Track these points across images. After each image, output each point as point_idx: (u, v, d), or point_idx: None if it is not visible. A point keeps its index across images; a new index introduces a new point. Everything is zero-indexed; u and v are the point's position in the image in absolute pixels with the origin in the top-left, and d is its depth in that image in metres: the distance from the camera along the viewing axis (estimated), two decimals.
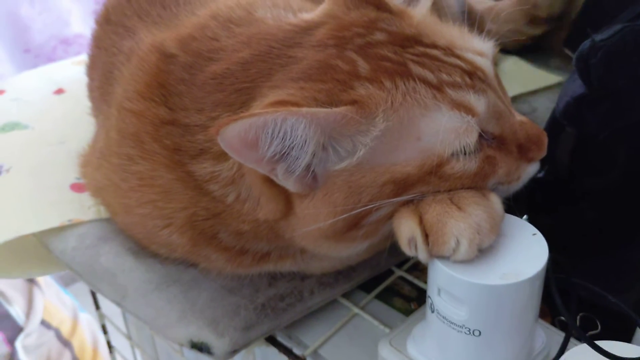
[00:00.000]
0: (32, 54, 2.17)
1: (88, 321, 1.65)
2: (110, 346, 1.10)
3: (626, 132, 0.63)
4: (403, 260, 0.77)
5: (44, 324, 1.55)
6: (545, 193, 0.71)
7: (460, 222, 0.51)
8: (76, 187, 0.82)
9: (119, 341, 1.12)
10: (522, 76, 1.08)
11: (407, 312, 0.71)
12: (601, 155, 0.67)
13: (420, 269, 0.77)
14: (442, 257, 0.52)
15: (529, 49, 1.16)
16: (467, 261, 0.51)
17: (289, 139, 0.49)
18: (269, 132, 0.48)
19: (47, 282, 1.64)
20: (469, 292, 0.51)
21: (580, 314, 0.63)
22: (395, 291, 0.75)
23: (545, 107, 0.98)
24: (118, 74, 0.67)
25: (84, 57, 1.11)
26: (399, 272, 0.76)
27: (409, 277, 0.76)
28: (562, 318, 0.64)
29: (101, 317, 1.04)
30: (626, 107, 0.63)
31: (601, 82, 0.62)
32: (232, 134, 0.48)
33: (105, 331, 1.07)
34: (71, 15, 2.19)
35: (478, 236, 0.50)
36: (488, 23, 0.93)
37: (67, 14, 2.18)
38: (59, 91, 1.06)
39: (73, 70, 1.13)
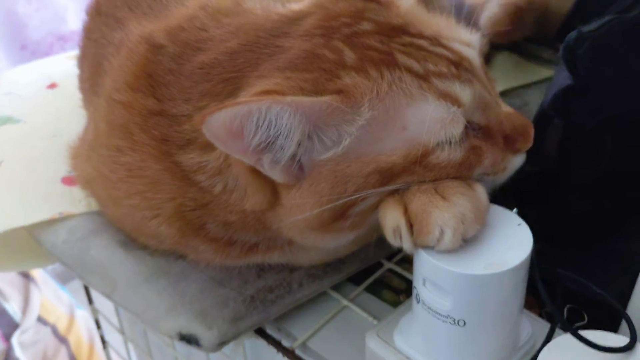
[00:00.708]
0: (28, 51, 2.17)
1: (84, 318, 1.65)
2: (103, 341, 1.10)
3: (613, 122, 0.64)
4: (392, 253, 0.77)
5: (41, 320, 1.56)
6: (533, 185, 0.71)
7: (445, 212, 0.51)
8: (67, 181, 0.82)
9: (112, 336, 1.12)
10: (513, 70, 1.08)
11: (396, 304, 0.71)
12: (588, 146, 0.67)
13: (409, 262, 0.77)
14: (427, 247, 0.52)
15: (520, 43, 1.16)
16: (452, 251, 0.51)
17: (274, 128, 0.49)
18: (253, 121, 0.48)
19: (43, 279, 1.64)
20: (453, 282, 0.51)
21: (568, 306, 0.63)
22: (385, 283, 0.75)
23: (537, 100, 0.97)
24: (108, 65, 0.67)
25: (77, 52, 1.12)
26: (388, 265, 0.76)
27: (398, 270, 0.76)
28: (548, 310, 0.64)
29: (94, 312, 1.04)
30: (613, 97, 0.63)
31: (588, 72, 0.63)
32: (217, 123, 0.48)
33: (98, 326, 1.07)
34: (67, 12, 2.20)
35: (462, 226, 0.51)
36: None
37: (63, 10, 2.18)
38: (52, 85, 1.06)
39: (66, 65, 1.12)
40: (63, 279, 1.93)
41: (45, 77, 1.09)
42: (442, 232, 0.50)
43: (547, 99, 0.68)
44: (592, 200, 0.69)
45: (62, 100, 1.02)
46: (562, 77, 0.66)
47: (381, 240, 0.59)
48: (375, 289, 0.74)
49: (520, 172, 0.61)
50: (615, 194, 0.66)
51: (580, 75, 0.63)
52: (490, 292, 0.51)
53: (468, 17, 0.63)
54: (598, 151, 0.67)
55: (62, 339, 1.59)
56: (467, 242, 0.52)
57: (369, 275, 0.75)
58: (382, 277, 0.75)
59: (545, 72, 1.07)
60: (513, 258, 0.51)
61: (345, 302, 0.72)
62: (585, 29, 0.63)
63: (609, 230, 0.68)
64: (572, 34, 0.62)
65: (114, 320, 1.01)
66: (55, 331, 1.58)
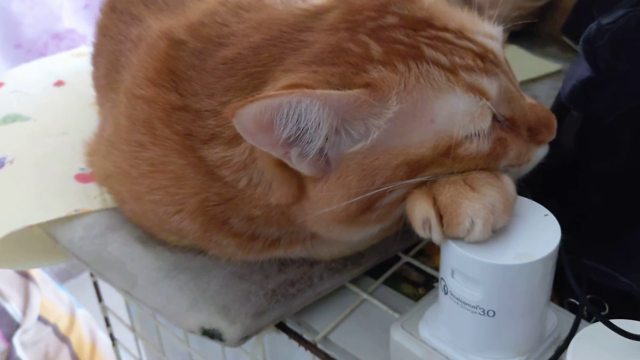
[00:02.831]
0: (23, 49, 2.16)
1: (85, 317, 1.64)
2: (113, 339, 1.10)
3: (632, 115, 0.64)
4: (409, 246, 0.77)
5: (41, 320, 1.54)
6: (551, 177, 0.71)
7: (475, 203, 0.51)
8: (81, 178, 0.82)
9: (121, 334, 1.12)
10: (521, 64, 1.07)
11: (415, 297, 0.72)
12: (607, 138, 0.67)
13: (426, 255, 0.78)
14: (456, 238, 0.52)
15: (526, 36, 1.16)
16: (481, 242, 0.52)
17: (303, 121, 0.49)
18: (283, 114, 0.48)
19: (43, 279, 1.63)
20: (484, 273, 0.51)
21: (588, 297, 0.63)
22: (403, 277, 0.75)
23: (545, 94, 0.99)
24: (125, 61, 0.67)
25: (83, 50, 1.12)
26: (405, 258, 0.76)
27: (416, 263, 0.76)
28: (572, 300, 0.65)
29: (104, 310, 1.04)
30: (632, 90, 0.63)
31: (607, 65, 0.63)
32: (247, 116, 0.48)
33: (108, 324, 1.06)
34: (62, 10, 2.19)
35: (492, 216, 0.51)
36: (487, 9, 0.93)
37: (58, 9, 2.17)
38: (59, 83, 1.06)
39: (72, 62, 1.12)
40: (62, 278, 1.92)
41: (51, 75, 1.08)
42: (472, 223, 0.51)
43: (564, 90, 0.69)
44: (611, 193, 0.69)
45: (70, 97, 1.01)
46: (581, 69, 0.66)
47: (399, 234, 0.59)
48: (393, 283, 0.74)
49: (538, 164, 0.61)
50: (634, 186, 0.66)
51: (599, 68, 0.63)
52: (520, 282, 0.52)
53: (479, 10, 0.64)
54: (617, 144, 0.67)
55: (64, 339, 1.58)
56: (496, 233, 0.52)
57: (387, 269, 0.75)
58: (400, 270, 0.75)
59: (553, 66, 1.08)
60: (542, 248, 0.51)
61: (364, 295, 0.72)
62: (604, 21, 0.63)
63: (628, 222, 0.68)
64: (592, 27, 0.62)
65: (125, 317, 1.01)
66: (56, 331, 1.57)
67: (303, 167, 0.53)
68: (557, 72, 1.08)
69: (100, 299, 1.03)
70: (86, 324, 1.63)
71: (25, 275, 1.58)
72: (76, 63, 1.11)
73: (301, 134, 0.50)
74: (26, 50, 2.16)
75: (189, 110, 0.59)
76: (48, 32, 2.19)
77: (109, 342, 1.15)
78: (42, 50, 2.18)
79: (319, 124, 0.50)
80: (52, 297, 1.62)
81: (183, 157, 0.60)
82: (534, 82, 1.04)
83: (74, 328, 1.61)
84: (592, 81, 0.64)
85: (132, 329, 1.00)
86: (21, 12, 2.10)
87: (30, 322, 1.51)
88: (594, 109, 0.66)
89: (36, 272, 1.61)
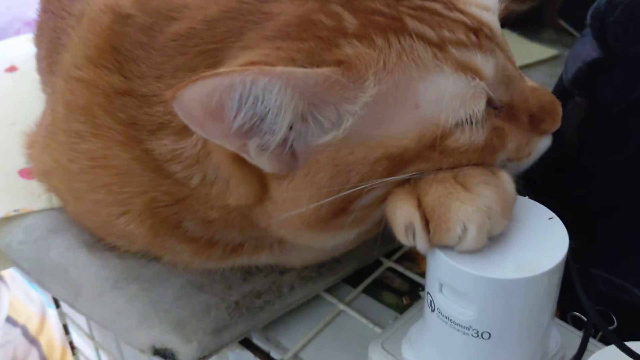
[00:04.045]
0: None
1: (57, 318, 1.57)
2: (72, 347, 1.02)
3: None
4: (392, 250, 0.70)
5: (10, 321, 1.49)
6: (550, 172, 0.64)
7: (467, 205, 0.43)
8: (25, 173, 0.74)
9: (84, 341, 1.04)
10: (515, 50, 1.00)
11: (399, 308, 0.65)
12: (615, 128, 0.60)
13: (411, 259, 0.70)
14: (446, 247, 0.44)
15: (520, 21, 1.09)
16: (475, 251, 0.44)
17: (261, 105, 0.41)
18: (236, 97, 0.41)
19: (13, 277, 1.59)
20: (478, 288, 0.44)
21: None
22: (385, 284, 0.68)
23: (541, 81, 0.90)
24: (67, 40, 0.59)
25: None
26: (388, 263, 0.69)
27: (400, 269, 0.69)
28: (577, 314, 0.57)
29: (62, 316, 0.96)
30: None
31: (619, 44, 0.56)
32: (191, 98, 0.40)
33: (67, 331, 0.99)
34: None
35: (488, 221, 0.43)
36: None
37: None
38: (12, 69, 0.98)
39: (28, 47, 1.03)
40: None
41: (3, 59, 1.00)
42: (464, 228, 0.43)
43: (567, 74, 0.61)
44: (617, 190, 0.62)
45: (23, 84, 0.93)
46: (587, 50, 0.59)
47: (381, 236, 0.51)
48: (374, 291, 0.67)
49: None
50: None
51: (609, 47, 0.56)
52: (521, 299, 0.44)
53: None
54: (626, 135, 0.60)
55: (33, 341, 1.54)
56: (492, 240, 0.44)
57: (367, 275, 0.68)
58: (382, 277, 0.69)
59: (548, 52, 1.02)
60: (548, 259, 0.44)
61: (341, 306, 0.65)
62: None
63: (635, 223, 0.61)
64: (602, 0, 0.54)
65: (84, 324, 0.93)
66: (25, 332, 1.52)
67: (263, 162, 0.45)
68: (552, 58, 1.02)
69: (57, 304, 0.95)
70: (57, 326, 1.58)
71: None
72: (33, 48, 1.02)
73: (259, 122, 0.42)
74: None
75: (134, 95, 0.51)
76: (20, 20, 2.11)
77: (82, 343, 1.08)
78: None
79: (281, 109, 0.42)
80: (22, 297, 1.57)
81: (127, 150, 0.52)
82: (529, 68, 0.97)
83: (45, 330, 1.57)
84: (600, 63, 0.57)
85: (91, 337, 0.93)
86: None
87: None
88: (601, 95, 0.59)
89: (5, 270, 1.55)
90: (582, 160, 0.63)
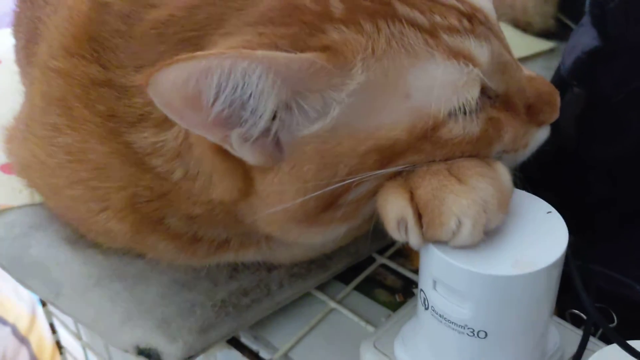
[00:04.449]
0: None
1: None
2: (60, 347, 1.00)
3: None
4: (385, 246, 0.68)
5: None
6: (547, 165, 0.62)
7: (462, 198, 0.41)
8: (7, 168, 0.71)
9: (71, 341, 1.02)
10: (511, 42, 0.98)
11: (392, 306, 0.63)
12: (613, 120, 0.59)
13: (405, 255, 0.68)
14: (439, 242, 0.42)
15: (517, 15, 1.07)
16: (470, 246, 0.42)
17: (241, 91, 0.39)
18: (214, 82, 0.38)
19: (1, 275, 1.54)
20: (473, 285, 0.41)
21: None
22: (378, 281, 0.65)
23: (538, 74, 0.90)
24: (44, 29, 0.57)
25: None
26: (380, 260, 0.67)
27: (393, 265, 0.67)
28: (576, 312, 0.55)
29: (48, 315, 0.94)
30: None
31: (619, 32, 0.54)
32: (166, 83, 0.38)
33: (53, 330, 0.96)
34: None
35: (484, 215, 0.41)
36: None
37: None
38: None
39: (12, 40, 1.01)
40: None
41: None
42: (459, 223, 0.41)
43: (566, 64, 0.59)
44: (616, 183, 0.60)
45: (5, 78, 0.90)
46: (586, 39, 0.57)
47: (374, 232, 0.49)
48: (366, 288, 0.65)
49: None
50: None
51: (609, 36, 0.54)
52: (519, 296, 0.42)
53: None
54: (624, 127, 0.58)
55: (23, 340, 1.52)
56: (488, 235, 0.42)
57: (359, 272, 0.66)
58: (374, 274, 0.66)
59: (545, 44, 1.00)
60: (547, 254, 0.42)
61: (332, 304, 0.62)
62: None
63: (634, 217, 0.59)
64: None
65: (71, 323, 0.91)
66: (15, 331, 1.51)
67: (246, 154, 0.43)
68: (549, 51, 1.00)
69: (44, 302, 0.93)
70: (48, 324, 1.55)
71: None
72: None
73: (239, 109, 0.40)
74: None
75: (112, 86, 0.49)
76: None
77: (73, 342, 1.05)
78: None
79: (262, 96, 0.40)
80: (11, 295, 1.56)
81: (106, 143, 0.50)
82: (525, 61, 0.94)
83: (35, 328, 1.55)
84: (599, 52, 0.55)
85: (78, 337, 0.90)
86: None
87: None
88: (601, 86, 0.57)
89: None
90: (580, 152, 0.62)
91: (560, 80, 0.60)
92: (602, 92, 0.57)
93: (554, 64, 0.89)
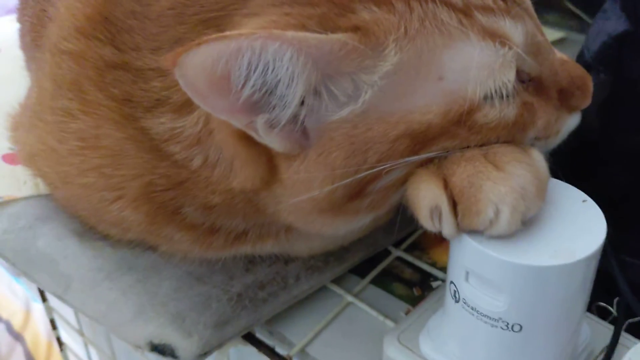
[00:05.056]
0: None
1: (42, 312, 1.54)
2: (60, 343, 0.98)
3: None
4: (401, 239, 0.66)
5: None
6: (571, 153, 0.60)
7: (500, 185, 0.39)
8: (9, 158, 0.69)
9: (72, 337, 1.00)
10: None
11: (410, 300, 0.61)
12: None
13: (421, 248, 0.66)
14: (474, 232, 0.40)
15: None
16: (507, 236, 0.40)
17: (271, 74, 0.37)
18: (244, 64, 0.37)
19: None
20: (510, 276, 0.40)
21: (617, 299, 0.53)
22: (394, 275, 0.64)
23: None
24: (53, 11, 0.54)
25: None
26: (396, 252, 0.66)
27: (409, 258, 0.65)
28: (602, 304, 0.54)
29: (49, 311, 0.91)
30: None
31: None
32: (194, 66, 0.36)
33: (54, 326, 0.94)
34: None
35: (523, 203, 0.39)
36: None
37: None
38: None
39: (12, 28, 0.98)
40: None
41: None
42: (497, 211, 0.39)
43: (590, 49, 0.57)
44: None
45: (6, 66, 0.87)
46: (612, 24, 0.55)
47: (390, 223, 0.47)
48: (383, 282, 0.63)
49: None
50: None
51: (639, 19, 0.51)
52: (557, 288, 0.40)
53: None
54: None
55: (18, 336, 1.51)
56: (525, 224, 0.40)
57: (375, 265, 0.64)
58: (391, 267, 0.65)
59: (554, 34, 0.98)
60: (585, 244, 0.40)
61: (349, 298, 0.61)
62: None
63: None
64: None
65: (72, 319, 0.88)
66: (9, 328, 1.50)
67: (273, 141, 0.41)
68: (559, 41, 0.98)
69: (44, 298, 0.90)
70: (42, 321, 1.55)
71: None
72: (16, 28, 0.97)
73: (268, 94, 0.38)
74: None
75: (128, 69, 0.47)
76: (3, 8, 2.05)
77: (74, 339, 1.03)
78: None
79: (293, 80, 0.38)
80: (6, 292, 1.55)
81: (121, 128, 0.48)
82: None
83: (29, 325, 1.54)
84: (629, 37, 0.53)
85: (81, 332, 0.88)
86: None
87: None
88: (628, 71, 0.55)
89: None
90: (603, 141, 0.60)
91: (585, 66, 0.58)
92: (630, 77, 0.55)
93: (565, 53, 0.88)
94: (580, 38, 0.90)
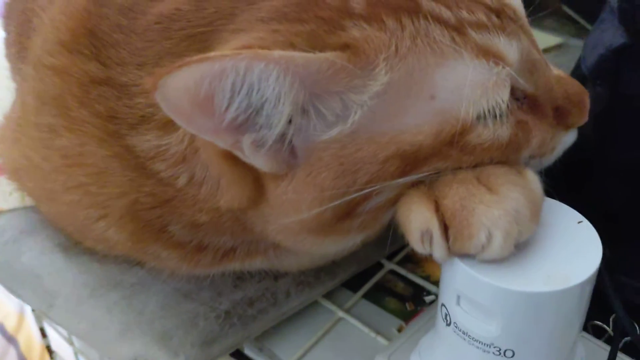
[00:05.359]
0: None
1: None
2: (50, 352, 0.97)
3: None
4: (394, 251, 0.65)
5: None
6: (565, 168, 0.59)
7: (493, 209, 0.38)
8: None
9: (62, 346, 0.98)
10: None
11: (403, 315, 0.60)
12: (637, 121, 0.55)
13: (414, 261, 0.65)
14: (466, 255, 0.39)
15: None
16: (499, 260, 0.39)
17: (256, 95, 0.36)
18: (228, 85, 0.36)
19: None
20: (503, 302, 0.39)
21: (613, 316, 0.52)
22: (387, 289, 0.63)
23: None
24: (38, 23, 0.53)
25: None
26: (389, 265, 0.65)
27: (402, 271, 0.64)
28: (598, 323, 0.53)
29: (38, 319, 0.90)
30: None
31: None
32: (176, 88, 0.35)
33: (44, 334, 0.93)
34: None
35: (516, 227, 0.38)
36: None
37: None
38: None
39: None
40: None
41: None
42: (490, 235, 0.38)
43: (587, 61, 0.56)
44: (636, 188, 0.57)
45: None
46: (609, 36, 0.54)
47: (381, 237, 0.47)
48: (376, 296, 0.62)
49: None
50: None
51: (638, 32, 0.50)
52: (551, 313, 0.39)
53: None
54: None
55: (11, 339, 1.49)
56: (518, 248, 0.39)
57: (367, 279, 0.63)
58: (383, 281, 0.64)
59: (552, 40, 0.98)
60: (580, 268, 0.39)
61: (340, 313, 0.60)
62: None
63: None
64: None
65: (62, 328, 0.87)
66: (2, 330, 1.48)
67: (259, 161, 0.40)
68: (556, 47, 0.98)
69: None
70: (38, 328, 1.52)
71: None
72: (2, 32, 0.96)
73: (254, 114, 0.37)
74: None
75: (113, 85, 0.46)
76: None
77: (63, 343, 1.02)
78: None
79: (279, 100, 0.37)
80: None
81: (105, 146, 0.47)
82: None
83: (23, 327, 1.51)
84: (627, 50, 0.52)
85: (70, 341, 0.87)
86: None
87: None
88: (626, 85, 0.54)
89: None
90: (599, 155, 0.59)
91: (580, 79, 0.57)
92: (627, 91, 0.54)
93: (562, 60, 0.87)
94: (578, 43, 0.89)
